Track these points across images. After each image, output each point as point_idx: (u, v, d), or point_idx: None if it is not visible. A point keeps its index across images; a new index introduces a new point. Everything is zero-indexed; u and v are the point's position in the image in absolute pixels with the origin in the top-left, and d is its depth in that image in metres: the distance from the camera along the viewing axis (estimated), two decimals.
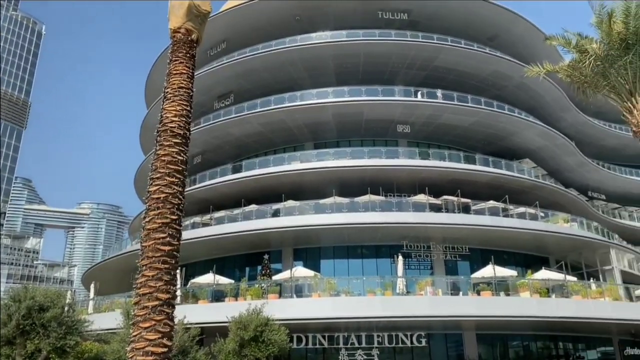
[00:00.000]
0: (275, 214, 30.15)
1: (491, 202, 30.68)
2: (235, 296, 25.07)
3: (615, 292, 27.54)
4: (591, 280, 31.07)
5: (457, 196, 30.43)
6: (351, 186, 30.44)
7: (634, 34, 14.70)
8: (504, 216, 30.38)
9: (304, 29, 35.18)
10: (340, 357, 24.73)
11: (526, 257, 32.89)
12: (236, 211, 30.76)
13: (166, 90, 8.63)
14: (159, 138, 8.21)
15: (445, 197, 30.38)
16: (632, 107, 15.07)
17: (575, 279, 28.98)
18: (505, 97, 36.91)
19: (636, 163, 47.17)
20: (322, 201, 29.60)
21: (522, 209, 31.17)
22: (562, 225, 32.33)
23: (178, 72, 8.80)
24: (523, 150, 37.67)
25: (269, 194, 31.20)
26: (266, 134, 35.43)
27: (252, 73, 35.49)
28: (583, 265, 33.32)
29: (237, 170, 33.90)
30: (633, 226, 44.21)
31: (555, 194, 35.30)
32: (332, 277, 26.66)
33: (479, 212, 30.32)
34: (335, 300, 24.04)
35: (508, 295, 25.58)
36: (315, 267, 28.77)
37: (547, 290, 26.22)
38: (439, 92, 33.64)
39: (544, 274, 27.61)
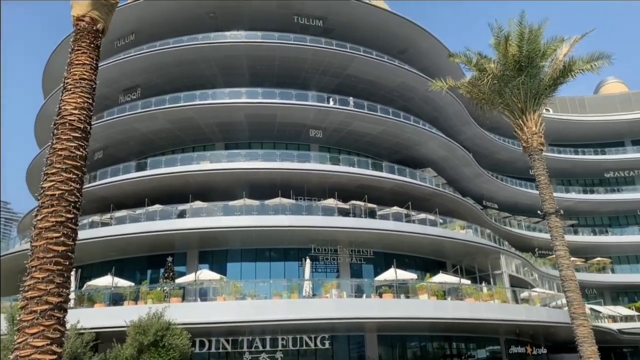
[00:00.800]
0: (181, 215, 29.22)
1: (395, 208, 31.91)
2: (136, 300, 23.93)
3: (503, 295, 29.77)
4: (483, 284, 33.28)
5: (365, 201, 31.33)
6: (262, 189, 30.29)
7: (526, 57, 16.04)
8: (406, 222, 31.70)
9: (218, 27, 34.54)
10: None
11: (426, 261, 34.56)
12: (139, 211, 29.41)
13: (66, 81, 8.07)
14: (56, 131, 7.64)
15: (353, 202, 31.14)
16: (522, 124, 16.42)
17: (469, 282, 30.89)
18: (412, 109, 38.63)
19: (525, 176, 51.28)
20: (231, 203, 29.14)
21: (423, 215, 32.73)
22: (458, 231, 34.35)
23: (80, 62, 8.25)
24: (426, 160, 39.63)
25: (175, 194, 30.19)
26: (174, 132, 34.30)
27: (162, 68, 34.23)
28: (476, 269, 35.62)
29: (141, 167, 32.43)
30: (520, 234, 48.04)
31: (453, 202, 37.48)
32: (238, 280, 26.31)
33: (384, 217, 31.41)
34: (240, 304, 23.74)
35: (408, 297, 26.70)
36: (222, 270, 28.25)
37: (444, 292, 27.71)
38: (351, 100, 34.46)
39: (441, 277, 29.17)
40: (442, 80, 18.73)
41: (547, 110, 54.86)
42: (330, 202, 30.54)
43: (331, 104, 33.89)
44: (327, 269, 30.85)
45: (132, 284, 25.94)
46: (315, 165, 32.70)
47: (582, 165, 56.27)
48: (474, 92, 17.36)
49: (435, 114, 40.59)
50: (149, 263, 30.74)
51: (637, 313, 46.62)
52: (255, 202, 29.07)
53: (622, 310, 46.89)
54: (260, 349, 24.58)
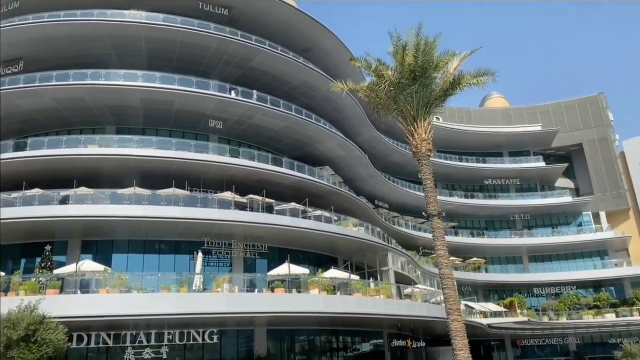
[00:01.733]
0: (64, 201, 27.16)
1: (293, 204, 32.25)
2: (6, 291, 21.90)
3: (389, 291, 31.29)
4: (371, 280, 34.76)
5: (263, 196, 31.30)
6: (155, 178, 29.10)
7: (421, 67, 16.98)
8: (303, 218, 32.14)
9: (116, 5, 32.56)
10: (126, 356, 23.36)
11: (319, 257, 35.36)
12: (15, 194, 26.91)
13: None
14: None
15: (251, 196, 30.97)
16: (414, 130, 17.37)
17: (358, 278, 32.09)
18: (314, 107, 39.22)
19: (415, 179, 54.27)
20: (120, 191, 27.64)
21: (319, 212, 33.41)
22: (351, 229, 35.52)
23: None
24: (325, 158, 40.50)
25: (58, 179, 28.02)
26: (61, 112, 31.86)
27: (50, 42, 31.61)
28: (366, 266, 37.10)
29: (20, 147, 29.64)
30: (407, 233, 50.82)
31: (348, 201, 38.69)
32: (124, 272, 25.05)
33: (281, 212, 31.59)
34: (126, 297, 22.65)
35: (300, 292, 27.14)
36: (107, 262, 26.75)
37: (334, 288, 28.54)
38: (255, 93, 34.22)
39: (332, 273, 29.99)
40: (344, 82, 19.25)
41: (437, 119, 58.54)
42: (228, 195, 30.12)
43: (234, 95, 33.40)
44: (220, 263, 30.43)
45: (3, 274, 23.70)
46: (214, 156, 32.01)
47: (465, 172, 60.75)
48: (372, 96, 18.06)
49: (335, 114, 41.58)
50: (25, 252, 28.29)
51: (505, 309, 51.37)
52: (147, 192, 27.83)
53: (492, 306, 51.39)
54: (145, 344, 23.69)
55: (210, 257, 29.57)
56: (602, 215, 61.72)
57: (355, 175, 44.97)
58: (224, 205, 29.41)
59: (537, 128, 63.99)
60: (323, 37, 39.01)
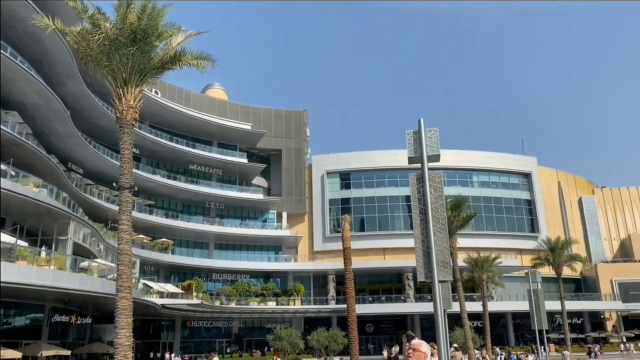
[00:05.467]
0: None
1: None
2: None
3: (61, 262, 28.49)
4: (43, 248, 31.09)
5: None
6: None
7: (143, 31, 16.03)
8: None
9: None
10: None
11: None
12: None
13: None
14: None
15: None
16: (122, 95, 16.27)
17: (26, 244, 28.28)
18: (13, 40, 33.19)
19: (117, 147, 51.50)
20: None
21: None
22: (32, 188, 31.16)
23: None
24: (14, 102, 34.59)
25: None
26: None
27: None
28: (40, 232, 33.05)
29: None
30: (98, 203, 47.42)
31: (34, 156, 33.92)
32: None
33: None
34: None
35: None
36: None
37: None
38: None
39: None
40: (51, 19, 16.71)
41: (155, 92, 56.84)
42: None
43: None
44: None
45: None
46: None
47: (173, 152, 60.56)
48: (83, 45, 16.15)
49: (40, 55, 36.01)
50: None
51: (182, 291, 52.85)
52: None
53: (170, 287, 52.22)
54: None
55: None
56: (284, 215, 69.85)
57: (50, 129, 39.72)
58: None
59: (247, 126, 68.45)
60: None
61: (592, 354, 51.13)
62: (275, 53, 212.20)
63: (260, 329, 61.44)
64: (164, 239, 56.86)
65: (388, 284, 67.92)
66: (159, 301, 46.88)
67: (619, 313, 69.75)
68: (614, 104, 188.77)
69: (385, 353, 25.10)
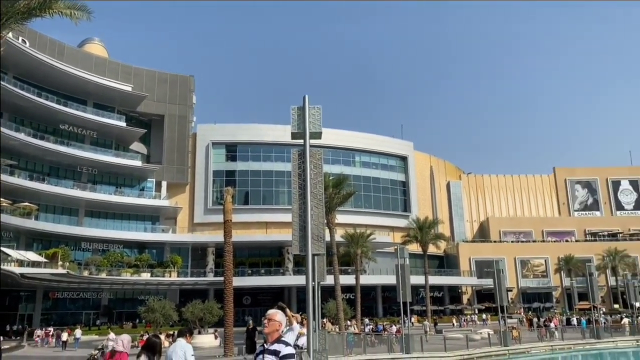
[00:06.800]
0: None
1: None
2: None
3: None
4: None
5: None
6: None
7: None
8: None
9: None
10: None
11: None
12: None
13: None
14: None
15: None
16: None
17: None
18: None
19: None
20: None
21: None
22: None
23: None
24: None
25: None
26: None
27: None
28: None
29: None
30: None
31: None
32: None
33: None
34: None
35: None
36: None
37: None
38: None
39: None
40: None
41: (23, 40, 51.11)
42: None
43: None
44: None
45: None
46: None
47: (42, 109, 55.21)
48: None
49: None
50: None
51: (45, 260, 48.90)
52: None
53: (32, 255, 48.07)
54: None
55: None
56: (164, 184, 67.16)
57: None
58: None
59: (127, 88, 64.11)
60: None
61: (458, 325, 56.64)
62: (168, 14, 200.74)
63: (133, 301, 59.03)
64: (26, 203, 51.85)
65: (269, 257, 68.68)
66: (18, 270, 43.04)
67: (473, 288, 77.42)
68: (486, 99, 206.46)
69: (251, 322, 26.43)
